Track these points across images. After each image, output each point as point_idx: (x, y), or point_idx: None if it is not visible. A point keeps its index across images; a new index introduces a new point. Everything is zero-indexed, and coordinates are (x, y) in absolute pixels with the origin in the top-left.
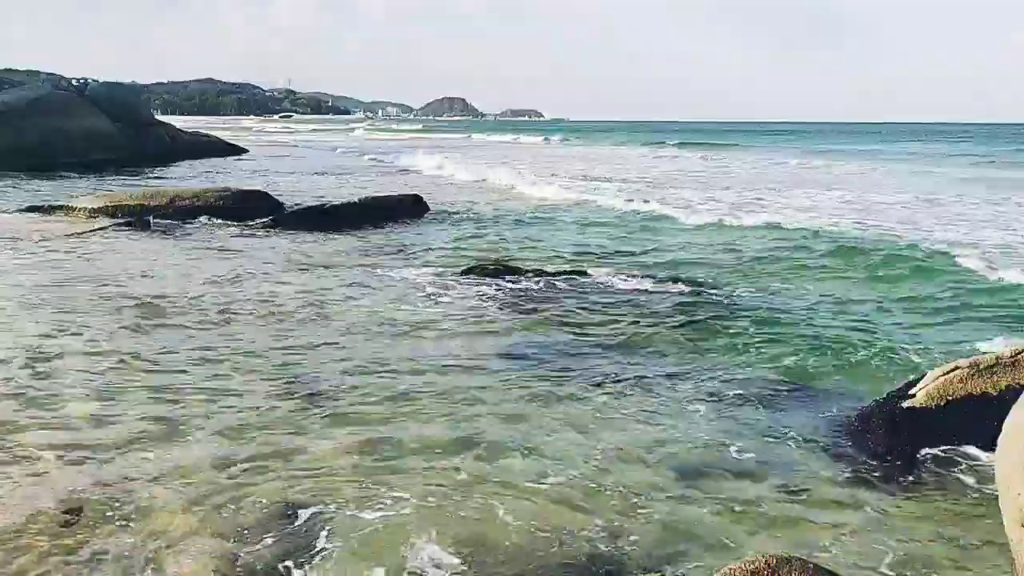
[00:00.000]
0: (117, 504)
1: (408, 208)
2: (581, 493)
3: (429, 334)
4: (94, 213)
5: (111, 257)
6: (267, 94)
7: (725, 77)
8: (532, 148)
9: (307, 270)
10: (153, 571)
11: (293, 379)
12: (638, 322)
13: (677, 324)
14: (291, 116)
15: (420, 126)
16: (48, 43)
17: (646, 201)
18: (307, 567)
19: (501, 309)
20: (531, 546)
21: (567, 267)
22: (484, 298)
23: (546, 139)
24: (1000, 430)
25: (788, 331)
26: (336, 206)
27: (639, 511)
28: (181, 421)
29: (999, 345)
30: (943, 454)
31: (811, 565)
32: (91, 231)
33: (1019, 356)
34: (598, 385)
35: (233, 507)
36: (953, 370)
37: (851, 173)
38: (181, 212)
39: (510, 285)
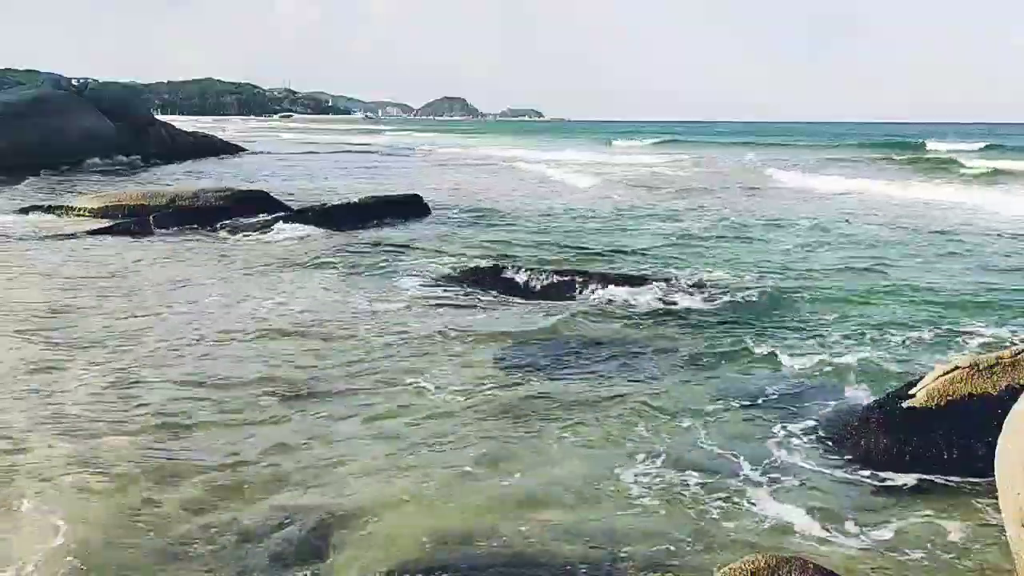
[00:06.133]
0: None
1: (409, 208)
2: (579, 494)
3: (425, 336)
4: (94, 213)
5: (109, 258)
6: (267, 94)
7: (727, 78)
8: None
9: (305, 271)
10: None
11: (285, 382)
12: (633, 320)
13: (671, 322)
14: (291, 116)
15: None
16: (48, 43)
17: None
18: (306, 569)
19: (498, 309)
20: (531, 547)
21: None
22: (479, 299)
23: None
24: (1000, 430)
25: (787, 329)
26: (336, 206)
27: (638, 511)
28: (176, 426)
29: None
30: (943, 454)
31: (811, 565)
32: (91, 231)
33: (1019, 356)
34: (593, 385)
35: (235, 507)
36: (953, 370)
37: None
38: (181, 212)
39: (505, 285)
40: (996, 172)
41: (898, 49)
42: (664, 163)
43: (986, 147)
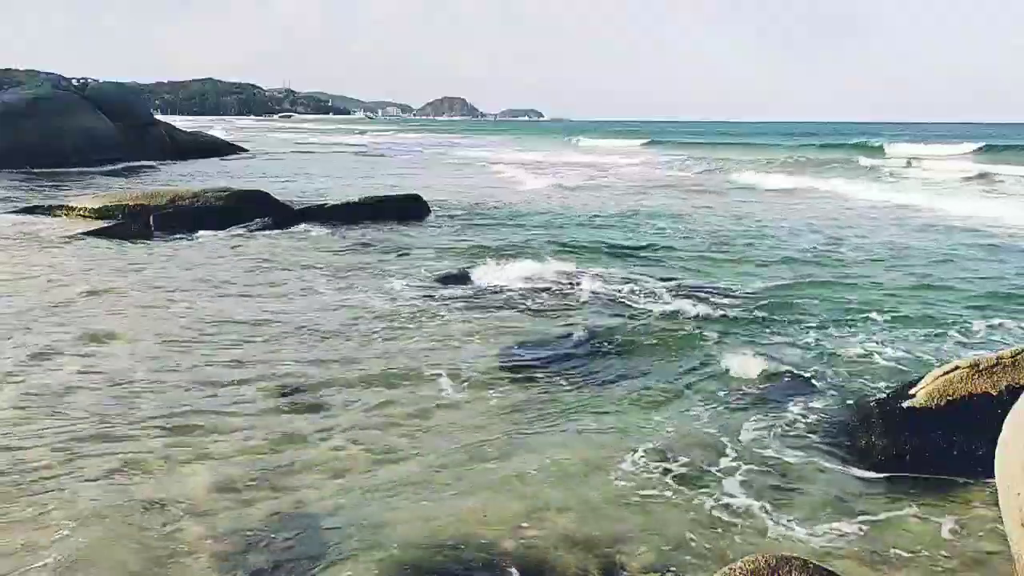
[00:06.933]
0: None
1: (409, 208)
2: (578, 494)
3: (424, 334)
4: (94, 213)
5: (108, 259)
6: (267, 94)
7: (728, 78)
8: None
9: (306, 271)
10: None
11: (283, 385)
12: (629, 318)
13: (668, 320)
14: (291, 116)
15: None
16: (48, 43)
17: None
18: (306, 569)
19: (497, 307)
20: (530, 548)
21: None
22: (479, 297)
23: None
24: (1000, 430)
25: (786, 326)
26: (336, 205)
27: (638, 512)
28: (177, 428)
29: None
30: (943, 454)
31: (811, 565)
32: (90, 232)
33: (1019, 356)
34: (589, 384)
35: (235, 506)
36: (953, 370)
37: None
38: (181, 212)
39: (503, 285)
40: (983, 176)
41: (898, 49)
42: (636, 163)
43: (983, 148)
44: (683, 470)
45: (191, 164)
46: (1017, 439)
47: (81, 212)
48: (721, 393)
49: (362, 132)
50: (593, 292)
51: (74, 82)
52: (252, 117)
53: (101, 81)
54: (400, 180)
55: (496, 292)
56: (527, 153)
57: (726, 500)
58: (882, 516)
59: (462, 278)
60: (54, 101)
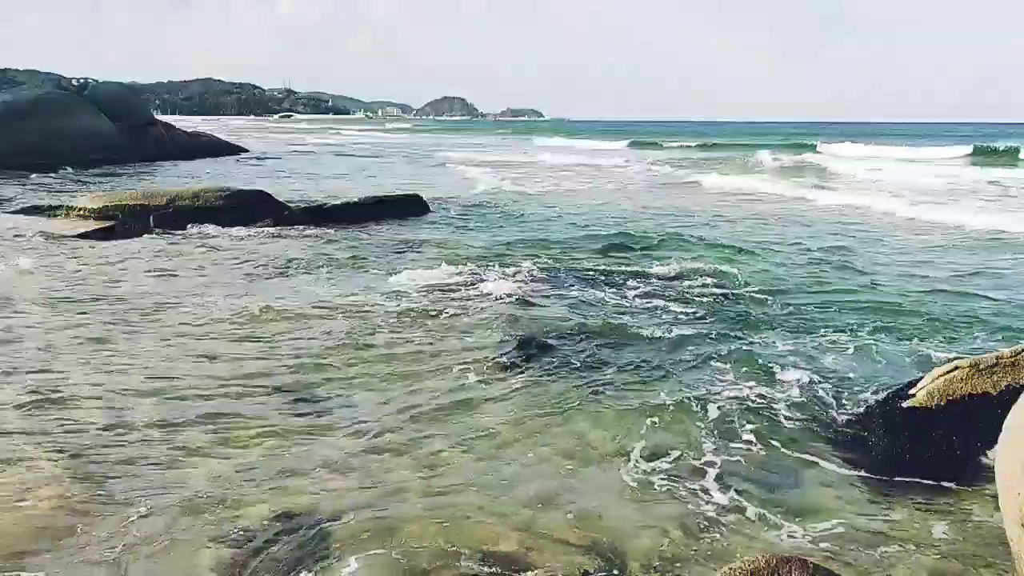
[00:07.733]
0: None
1: (408, 207)
2: (578, 494)
3: (424, 333)
4: (94, 213)
5: (109, 258)
6: (267, 94)
7: (729, 78)
8: None
9: (307, 270)
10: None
11: (285, 381)
12: (629, 317)
13: (662, 319)
14: (291, 116)
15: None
16: (48, 43)
17: None
18: (308, 570)
19: (494, 305)
20: (532, 548)
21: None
22: (478, 295)
23: None
24: (1000, 430)
25: (787, 327)
26: (336, 205)
27: (637, 512)
28: (177, 428)
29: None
30: (943, 454)
31: (811, 565)
32: (90, 232)
33: (1019, 356)
34: (584, 383)
35: (233, 513)
36: (953, 370)
37: None
38: (181, 212)
39: (500, 282)
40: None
41: (897, 50)
42: (622, 163)
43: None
44: (682, 471)
45: (191, 164)
46: (1017, 439)
47: (81, 212)
48: (718, 393)
49: (354, 132)
50: (585, 290)
51: (74, 82)
52: (252, 117)
53: (101, 81)
54: (395, 181)
55: (493, 290)
56: (523, 155)
57: (726, 501)
58: (882, 516)
59: (460, 277)
60: (54, 101)
